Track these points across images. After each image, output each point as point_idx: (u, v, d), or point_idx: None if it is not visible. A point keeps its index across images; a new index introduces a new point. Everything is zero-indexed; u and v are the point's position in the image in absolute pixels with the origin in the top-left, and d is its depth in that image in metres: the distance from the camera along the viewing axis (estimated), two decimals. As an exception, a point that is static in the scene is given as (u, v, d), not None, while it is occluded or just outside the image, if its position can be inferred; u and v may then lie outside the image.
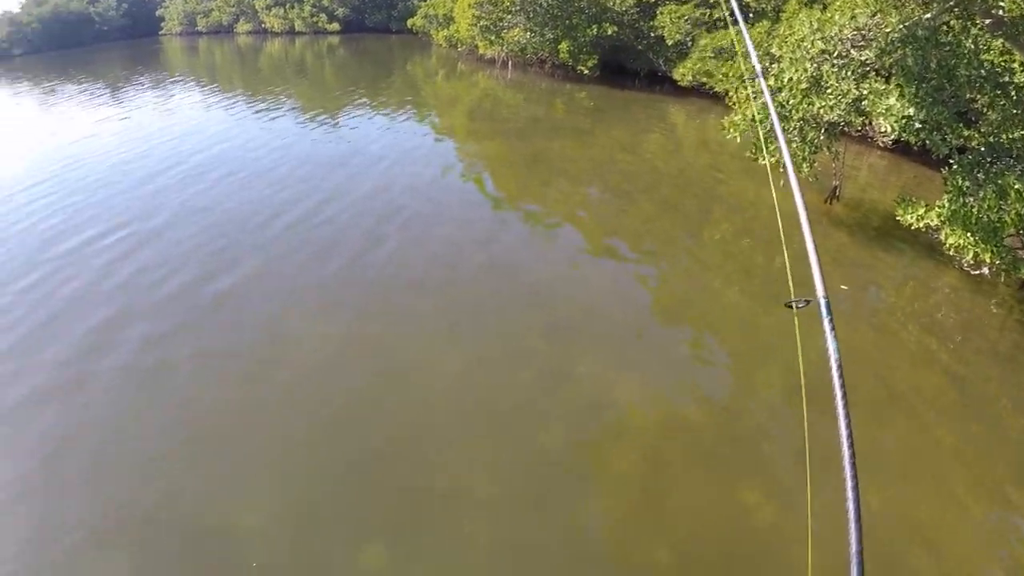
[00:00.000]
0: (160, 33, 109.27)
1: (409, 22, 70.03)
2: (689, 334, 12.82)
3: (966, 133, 16.30)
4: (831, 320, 4.09)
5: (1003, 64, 15.51)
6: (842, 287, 14.16)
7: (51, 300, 15.27)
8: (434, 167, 22.47)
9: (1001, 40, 15.02)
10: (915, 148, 16.35)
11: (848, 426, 3.55)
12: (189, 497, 9.90)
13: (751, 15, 31.91)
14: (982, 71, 14.80)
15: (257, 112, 33.48)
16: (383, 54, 56.78)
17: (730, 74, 27.65)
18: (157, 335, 13.73)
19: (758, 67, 6.72)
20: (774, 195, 7.18)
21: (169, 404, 11.91)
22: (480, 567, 8.47)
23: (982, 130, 14.55)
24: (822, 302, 4.20)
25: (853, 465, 3.40)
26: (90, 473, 10.58)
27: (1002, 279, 14.15)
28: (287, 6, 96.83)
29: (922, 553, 8.03)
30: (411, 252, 16.25)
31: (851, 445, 3.47)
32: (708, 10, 35.08)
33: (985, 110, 14.92)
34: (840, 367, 3.81)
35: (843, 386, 3.72)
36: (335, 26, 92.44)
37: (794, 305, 4.50)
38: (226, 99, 38.18)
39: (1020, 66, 15.90)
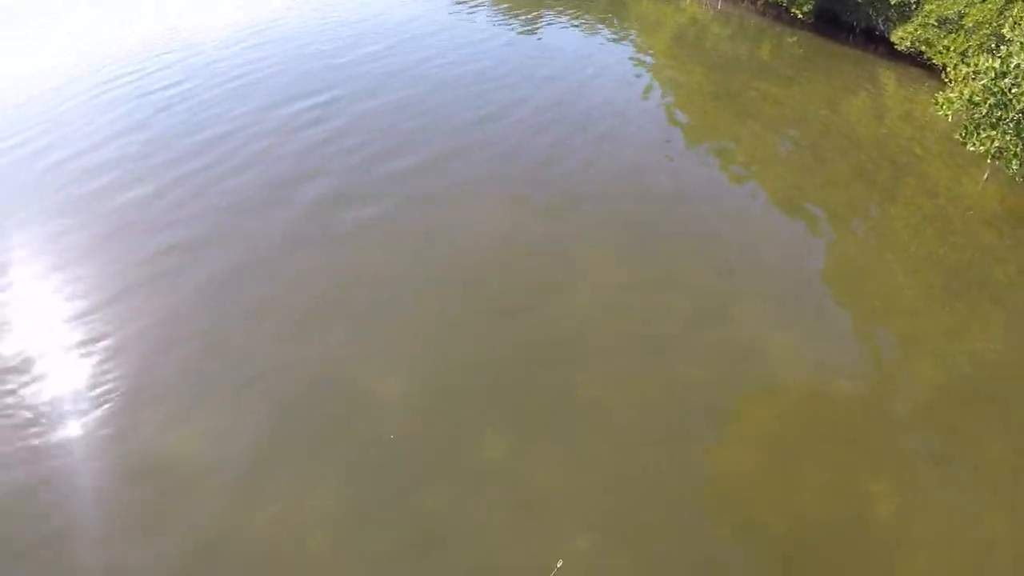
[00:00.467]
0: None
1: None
2: (855, 306, 13.04)
3: None
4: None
5: None
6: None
7: (274, 153, 16.96)
8: (632, 86, 22.91)
9: None
10: None
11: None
12: (340, 356, 11.22)
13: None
14: None
15: (460, 7, 34.08)
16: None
17: (952, 48, 26.41)
18: (352, 200, 15.13)
19: None
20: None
21: (342, 264, 13.34)
22: (595, 485, 9.31)
23: None
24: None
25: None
26: (255, 315, 12.07)
27: None
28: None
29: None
30: (600, 166, 17.02)
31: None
32: (942, -28, 33.18)
33: None
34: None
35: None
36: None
37: None
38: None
39: None
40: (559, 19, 31.64)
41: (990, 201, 17.04)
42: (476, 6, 33.32)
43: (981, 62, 16.42)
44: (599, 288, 12.80)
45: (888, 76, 28.55)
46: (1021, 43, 16.68)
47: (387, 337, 11.54)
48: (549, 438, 9.94)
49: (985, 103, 15.82)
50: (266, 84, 21.49)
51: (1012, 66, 16.14)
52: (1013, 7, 21.81)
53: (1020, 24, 17.55)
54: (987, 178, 17.59)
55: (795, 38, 32.54)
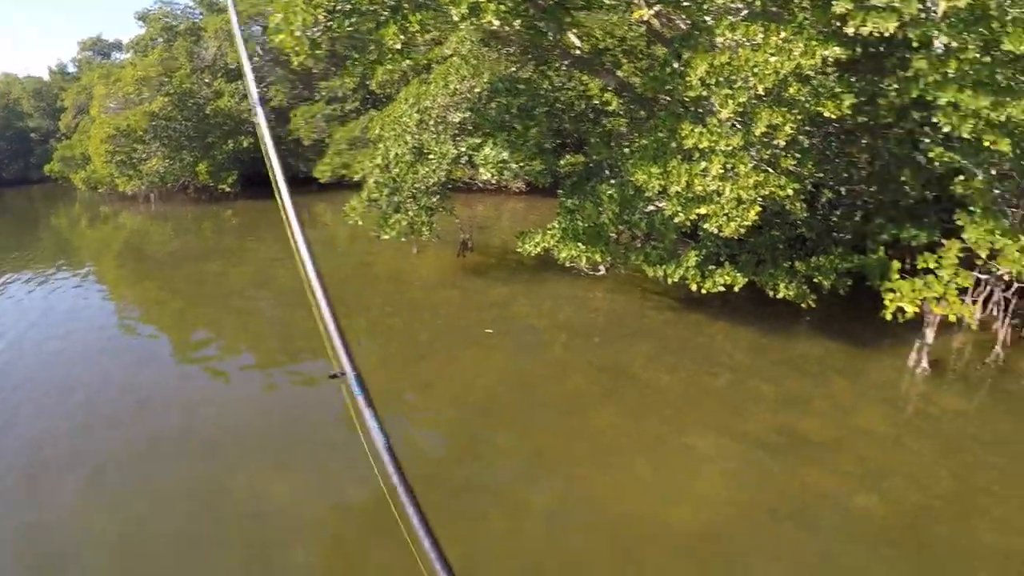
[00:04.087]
0: None
1: (46, 168, 65.86)
2: (341, 427, 12.59)
3: (573, 160, 17.89)
4: (367, 397, 4.09)
5: (582, 92, 17.50)
6: (487, 331, 14.82)
7: None
8: (89, 328, 20.32)
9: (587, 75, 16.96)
10: (544, 186, 17.60)
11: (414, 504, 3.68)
12: None
13: (384, 99, 33.33)
14: (559, 106, 16.53)
15: None
16: (24, 209, 52.74)
17: (366, 161, 28.59)
18: None
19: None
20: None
21: None
22: None
23: (589, 154, 16.04)
24: (352, 378, 4.20)
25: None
26: None
27: (620, 271, 15.63)
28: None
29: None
30: (60, 424, 14.65)
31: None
32: (340, 104, 36.26)
33: (589, 137, 16.51)
34: (390, 449, 3.84)
35: (399, 468, 3.80)
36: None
37: (339, 375, 4.42)
38: None
39: (599, 91, 17.82)
40: (5, 282, 27.88)
41: (428, 270, 18.75)
42: None
43: (367, 164, 17.70)
44: (94, 545, 10.90)
45: (324, 209, 29.86)
46: (393, 136, 18.24)
47: None
48: None
49: (383, 195, 16.99)
50: None
51: (392, 156, 17.58)
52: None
53: (387, 121, 19.30)
54: (416, 252, 19.34)
55: (230, 211, 32.94)
